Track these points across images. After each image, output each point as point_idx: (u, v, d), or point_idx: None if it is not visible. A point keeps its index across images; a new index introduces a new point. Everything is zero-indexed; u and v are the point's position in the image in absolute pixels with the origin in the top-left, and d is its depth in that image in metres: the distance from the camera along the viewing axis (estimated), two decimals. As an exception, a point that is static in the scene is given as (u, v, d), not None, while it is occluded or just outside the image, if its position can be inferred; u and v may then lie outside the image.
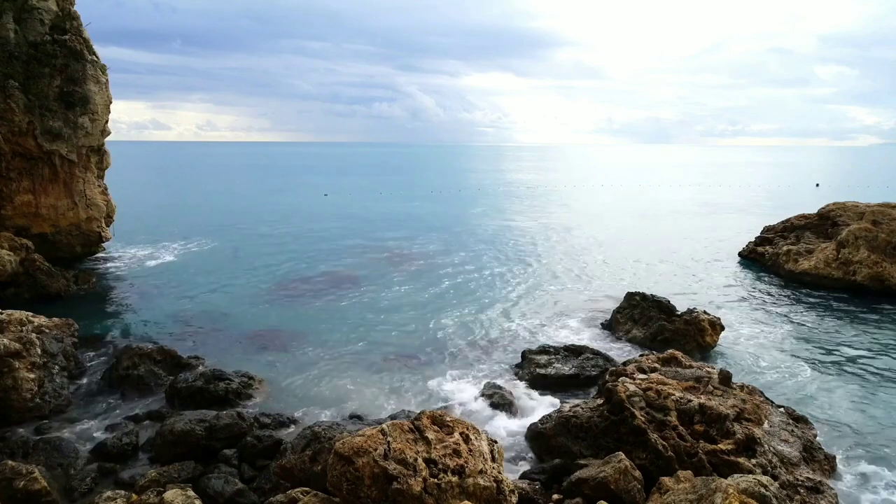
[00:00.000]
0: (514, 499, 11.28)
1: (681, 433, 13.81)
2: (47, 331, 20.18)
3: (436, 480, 10.53)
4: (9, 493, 12.52)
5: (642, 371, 16.77)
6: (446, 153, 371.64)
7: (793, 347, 23.57)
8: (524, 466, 14.99)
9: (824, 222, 37.92)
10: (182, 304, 29.13)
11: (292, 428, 16.44)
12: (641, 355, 19.03)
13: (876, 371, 21.24)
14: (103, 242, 38.63)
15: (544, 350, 21.42)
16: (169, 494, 11.88)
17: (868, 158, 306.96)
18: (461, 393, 19.36)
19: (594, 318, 27.29)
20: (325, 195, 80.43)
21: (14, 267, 29.15)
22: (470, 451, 11.30)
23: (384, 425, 11.42)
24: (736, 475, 11.42)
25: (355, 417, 16.97)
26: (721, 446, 13.47)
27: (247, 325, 25.88)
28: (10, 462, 13.25)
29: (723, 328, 23.90)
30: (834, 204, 39.26)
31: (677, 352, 18.43)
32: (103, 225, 37.25)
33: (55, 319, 21.21)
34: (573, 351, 21.33)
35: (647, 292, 25.67)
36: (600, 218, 63.13)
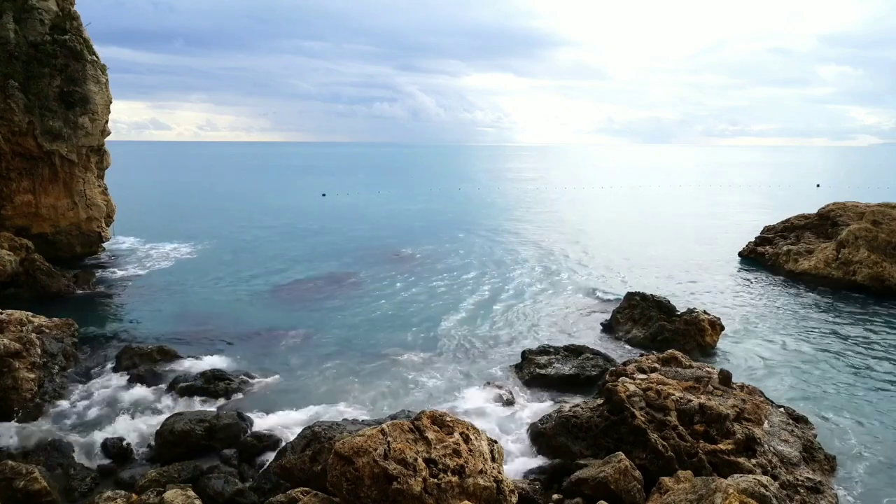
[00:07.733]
0: (514, 499, 11.28)
1: (681, 433, 13.81)
2: (47, 331, 20.18)
3: (436, 480, 10.53)
4: (9, 493, 12.51)
5: (642, 371, 16.77)
6: (447, 153, 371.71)
7: (793, 347, 23.56)
8: (524, 466, 14.98)
9: (824, 222, 37.94)
10: (182, 304, 29.13)
11: (292, 428, 16.45)
12: (641, 355, 19.05)
13: (876, 371, 21.23)
14: (103, 242, 38.62)
15: (544, 350, 21.42)
16: (169, 494, 11.88)
17: (868, 158, 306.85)
18: (461, 393, 19.37)
19: (594, 318, 27.29)
20: (323, 195, 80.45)
21: (14, 267, 29.15)
22: (470, 451, 11.30)
23: (384, 425, 11.42)
24: (736, 475, 11.41)
25: (355, 417, 16.97)
26: (721, 446, 13.48)
27: (247, 325, 25.87)
28: (10, 462, 13.25)
29: (723, 328, 23.90)
30: (834, 204, 39.27)
31: (677, 352, 18.44)
32: (103, 225, 37.25)
33: (55, 319, 21.20)
34: (573, 351, 21.33)
35: (647, 292, 25.66)
36: (601, 218, 63.18)
